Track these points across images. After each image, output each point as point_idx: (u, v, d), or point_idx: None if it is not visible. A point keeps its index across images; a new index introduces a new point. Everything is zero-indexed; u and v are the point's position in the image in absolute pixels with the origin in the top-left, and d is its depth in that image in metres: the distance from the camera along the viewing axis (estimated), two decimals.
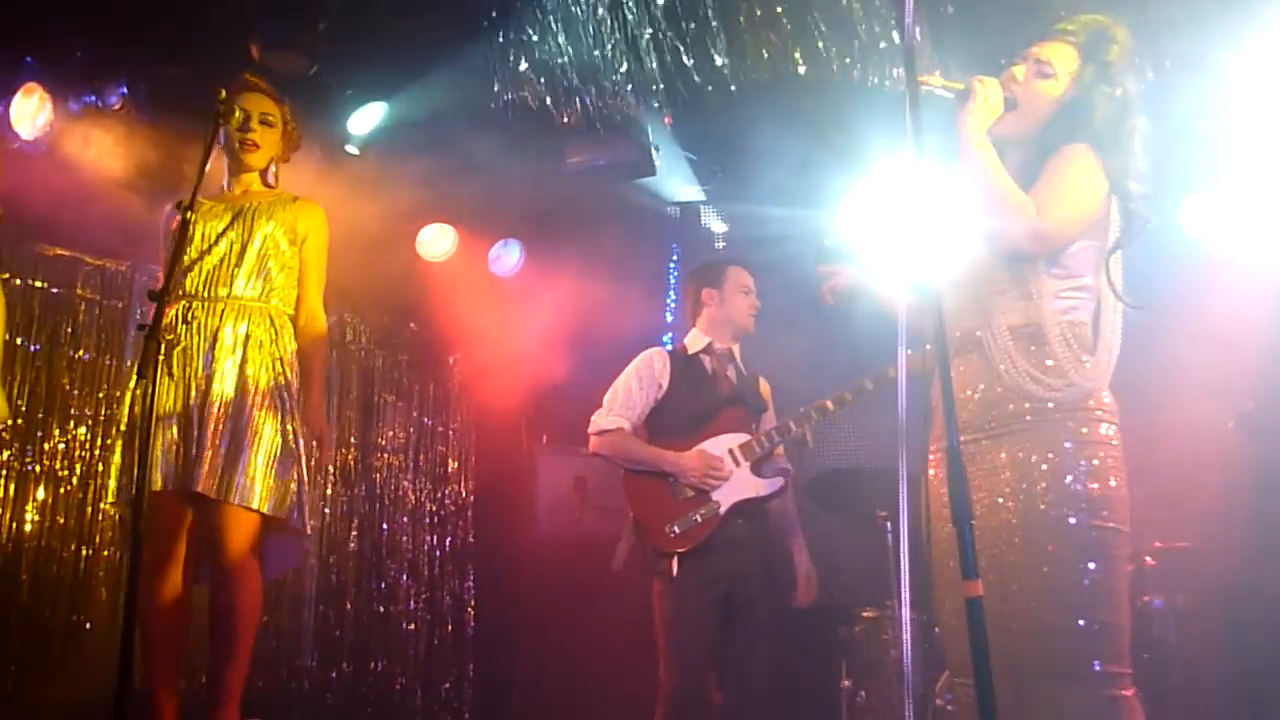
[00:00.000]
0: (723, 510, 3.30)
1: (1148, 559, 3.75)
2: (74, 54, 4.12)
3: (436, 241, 5.15)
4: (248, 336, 2.79)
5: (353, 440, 5.15)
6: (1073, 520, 2.00)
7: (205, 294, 2.81)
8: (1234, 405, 4.12)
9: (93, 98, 4.11)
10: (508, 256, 5.36)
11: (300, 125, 3.21)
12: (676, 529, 3.27)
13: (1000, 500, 2.08)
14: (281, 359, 2.83)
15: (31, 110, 3.96)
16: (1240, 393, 4.21)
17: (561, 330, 4.99)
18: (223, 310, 2.80)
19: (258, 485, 2.66)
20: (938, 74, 2.13)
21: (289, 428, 2.77)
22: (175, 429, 2.69)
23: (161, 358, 2.53)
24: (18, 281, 4.21)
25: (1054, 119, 2.13)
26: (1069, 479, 2.02)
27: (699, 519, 3.28)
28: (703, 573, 3.24)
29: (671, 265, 6.06)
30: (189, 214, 2.56)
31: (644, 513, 3.34)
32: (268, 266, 2.88)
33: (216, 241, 2.84)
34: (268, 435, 2.72)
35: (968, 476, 1.78)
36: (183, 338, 2.74)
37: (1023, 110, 2.13)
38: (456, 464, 5.42)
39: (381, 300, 5.21)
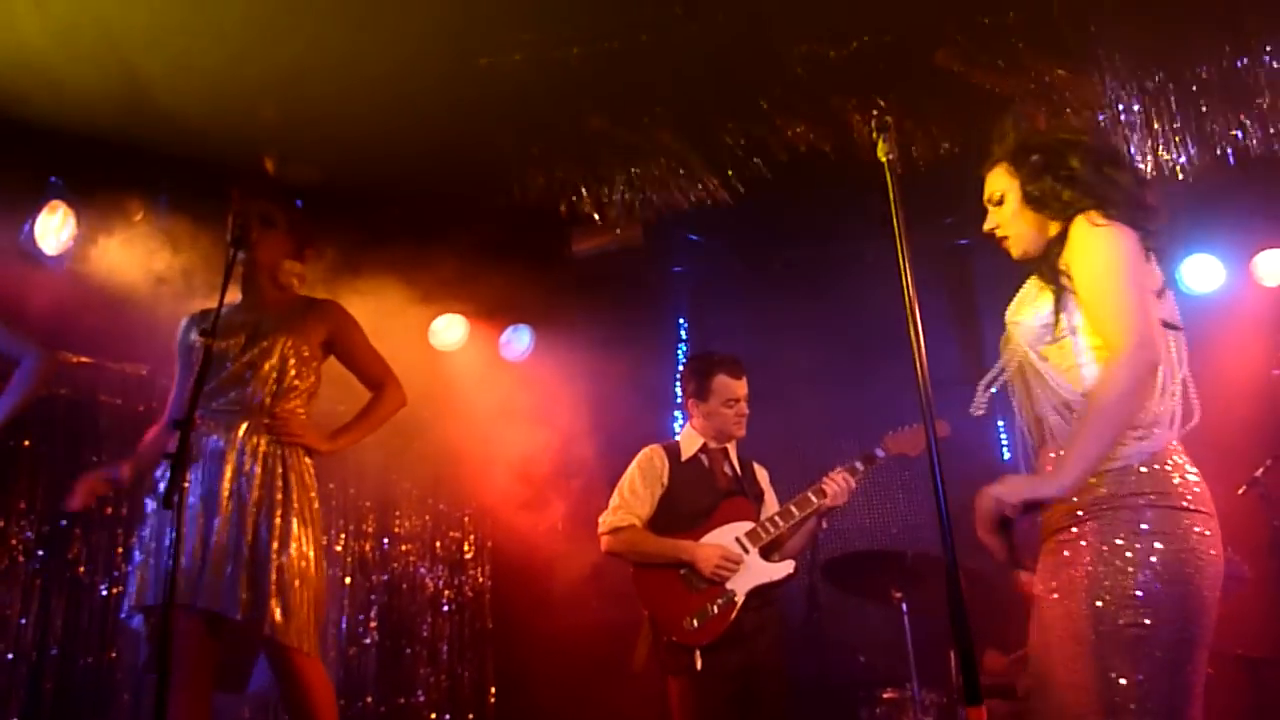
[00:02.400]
0: (739, 598, 3.33)
1: None
2: (97, 169, 4.28)
3: (448, 331, 5.25)
4: (264, 451, 2.85)
5: (369, 529, 5.20)
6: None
7: (223, 410, 2.88)
8: (1244, 471, 4.15)
9: (114, 210, 4.27)
10: (518, 341, 5.45)
11: (307, 225, 3.30)
12: (696, 622, 3.30)
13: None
14: (294, 470, 2.88)
15: (56, 226, 4.11)
16: (1249, 457, 4.24)
17: (574, 413, 5.06)
18: (241, 425, 2.87)
19: (277, 609, 2.70)
20: None
21: (303, 545, 2.80)
22: (196, 547, 2.73)
23: (186, 484, 2.63)
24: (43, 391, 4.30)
25: (1036, 216, 2.15)
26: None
27: (716, 610, 3.31)
28: (723, 666, 3.26)
29: (680, 339, 6.15)
30: (210, 340, 2.66)
31: (660, 608, 3.37)
32: (284, 380, 2.94)
33: (233, 360, 2.91)
34: (283, 553, 2.76)
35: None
36: (198, 455, 2.80)
37: (1014, 236, 2.19)
38: (473, 550, 5.45)
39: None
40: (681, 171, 4.42)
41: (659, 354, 5.74)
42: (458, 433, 5.43)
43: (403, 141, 4.23)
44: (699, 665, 3.23)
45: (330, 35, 3.63)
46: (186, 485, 2.67)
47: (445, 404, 5.30)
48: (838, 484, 3.44)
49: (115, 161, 4.26)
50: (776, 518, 3.48)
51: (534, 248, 5.06)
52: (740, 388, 3.64)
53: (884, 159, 1.97)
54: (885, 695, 3.90)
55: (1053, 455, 2.01)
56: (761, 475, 3.75)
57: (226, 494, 2.79)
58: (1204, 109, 4.28)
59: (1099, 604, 1.86)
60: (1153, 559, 1.86)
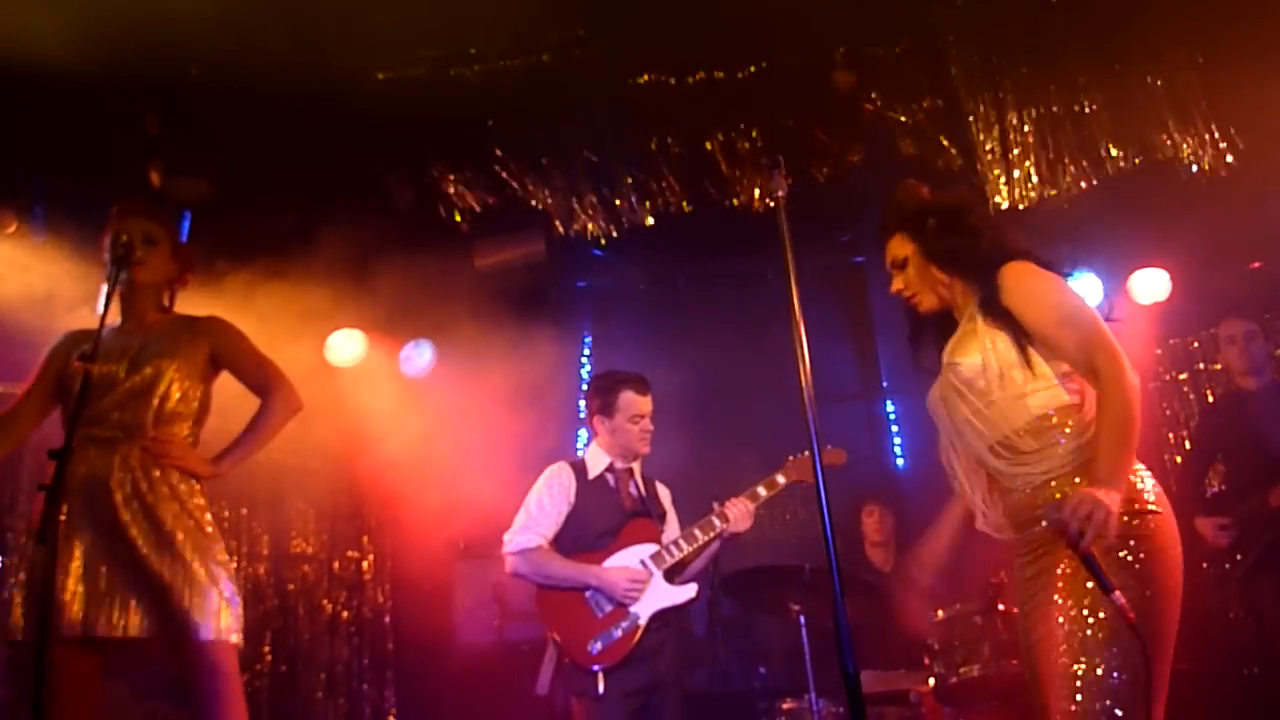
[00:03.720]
0: (643, 621, 3.35)
1: None
2: None
3: (345, 346, 5.14)
4: (146, 476, 2.74)
5: (263, 551, 5.05)
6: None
7: (104, 436, 2.76)
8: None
9: None
10: (419, 356, 5.37)
11: (189, 245, 3.19)
12: (598, 645, 3.30)
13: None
14: (178, 495, 2.78)
15: None
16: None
17: (476, 428, 5.01)
18: (122, 451, 2.75)
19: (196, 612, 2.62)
20: None
21: (200, 562, 2.71)
22: (76, 579, 2.61)
23: (64, 517, 2.50)
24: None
25: (939, 273, 2.35)
26: None
27: (619, 634, 3.32)
28: (625, 685, 3.27)
29: (584, 354, 6.15)
30: (90, 365, 2.55)
31: (564, 631, 3.36)
32: (167, 404, 2.82)
33: (115, 386, 2.78)
34: (181, 567, 2.67)
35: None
36: (79, 480, 2.67)
37: (921, 293, 2.38)
38: (371, 571, 5.34)
39: None
40: (586, 193, 4.43)
41: (563, 368, 5.72)
42: (355, 450, 5.32)
43: (296, 153, 4.13)
44: (601, 688, 3.23)
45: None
46: (64, 518, 2.55)
47: (343, 421, 5.18)
48: (739, 509, 3.51)
49: None
50: (681, 541, 3.51)
51: (435, 260, 4.99)
52: (646, 404, 3.66)
53: (771, 200, 2.04)
54: (785, 706, 3.96)
55: (979, 500, 2.27)
56: (664, 495, 3.78)
57: (111, 519, 2.66)
58: (1084, 134, 4.52)
59: (1084, 601, 1.99)
60: (1126, 558, 2.02)
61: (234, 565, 4.81)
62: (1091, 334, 2.10)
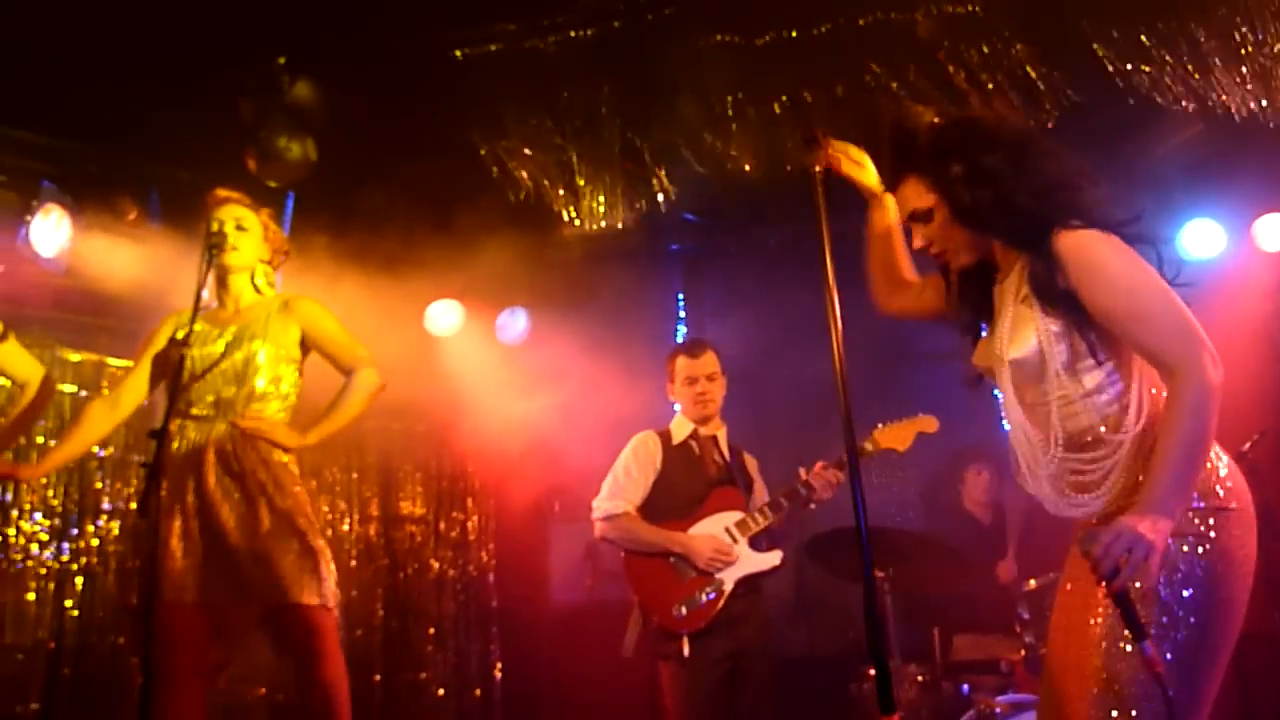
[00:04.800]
0: (728, 587, 3.40)
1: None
2: (88, 170, 4.36)
3: (443, 316, 5.31)
4: (240, 453, 2.92)
5: (374, 513, 5.32)
6: None
7: (200, 416, 2.95)
8: (1242, 440, 4.11)
9: (107, 210, 4.35)
10: (514, 324, 5.49)
11: (280, 230, 3.33)
12: (684, 610, 3.37)
13: None
14: (272, 468, 2.95)
15: (51, 229, 4.19)
16: (1248, 425, 4.21)
17: (571, 394, 5.11)
18: (217, 429, 2.94)
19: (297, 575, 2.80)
20: None
21: (286, 534, 2.88)
22: (183, 547, 2.83)
23: (164, 492, 2.71)
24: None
25: (984, 228, 1.90)
26: None
27: (704, 599, 3.38)
28: (711, 651, 3.34)
29: (678, 318, 6.16)
30: (186, 349, 2.73)
31: (649, 595, 3.45)
32: (260, 385, 2.99)
33: (211, 368, 2.96)
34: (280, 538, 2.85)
35: None
36: (179, 457, 2.88)
37: (952, 249, 1.95)
38: (476, 532, 5.55)
39: (395, 376, 5.36)
40: (684, 150, 4.39)
41: (657, 332, 5.76)
42: (457, 416, 5.51)
43: (384, 131, 4.26)
44: (686, 652, 3.30)
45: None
46: (164, 493, 2.75)
47: (444, 388, 5.37)
48: (826, 479, 3.45)
49: (106, 160, 4.34)
50: (766, 508, 3.52)
51: (528, 230, 5.08)
52: (698, 367, 3.67)
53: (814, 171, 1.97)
54: (871, 670, 3.95)
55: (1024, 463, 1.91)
56: (751, 464, 3.79)
57: (210, 493, 2.86)
58: (1209, 73, 4.23)
59: (1113, 663, 1.74)
60: (1184, 562, 1.76)
61: (346, 526, 5.18)
62: (1174, 325, 1.74)
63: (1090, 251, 1.79)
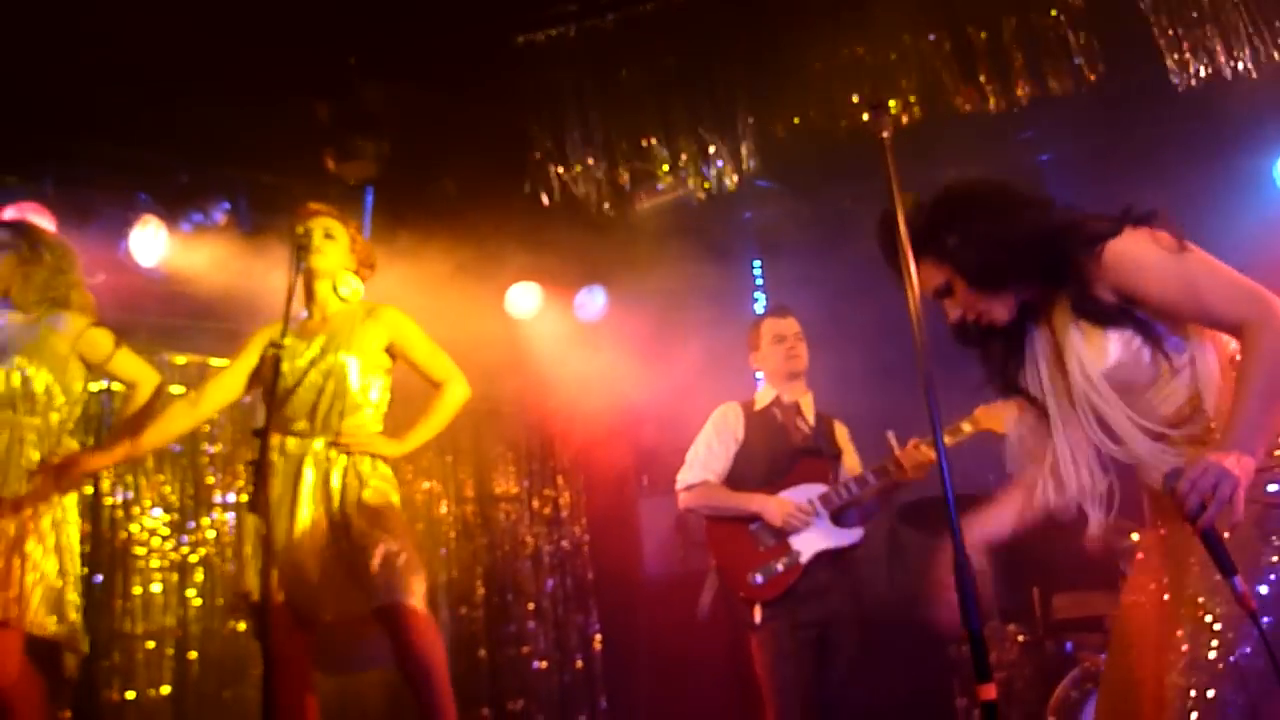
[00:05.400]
0: (804, 560, 3.40)
1: None
2: (180, 180, 4.56)
3: (523, 299, 5.39)
4: (340, 465, 3.02)
5: (469, 494, 5.47)
6: None
7: (295, 429, 3.04)
8: None
9: (200, 216, 4.54)
10: (592, 303, 5.55)
11: (367, 240, 3.41)
12: (760, 578, 3.39)
13: None
14: (370, 478, 3.05)
15: (149, 239, 4.40)
16: None
17: (653, 368, 5.15)
18: (315, 443, 3.03)
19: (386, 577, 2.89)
20: None
21: (389, 543, 2.97)
22: (283, 555, 2.93)
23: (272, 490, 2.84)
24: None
25: (997, 287, 1.95)
26: None
27: (781, 568, 3.39)
28: (791, 619, 3.35)
29: (756, 281, 6.13)
30: (279, 350, 2.84)
31: (727, 561, 3.48)
32: (351, 397, 3.07)
33: (301, 380, 3.03)
34: (374, 546, 2.95)
35: None
36: (279, 469, 2.99)
37: (986, 313, 1.97)
38: (569, 507, 5.66)
39: (480, 359, 5.48)
40: (751, 120, 4.36)
41: (735, 302, 5.75)
42: (543, 395, 5.62)
43: (454, 122, 4.33)
44: (758, 619, 3.32)
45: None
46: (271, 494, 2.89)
47: (528, 370, 5.47)
48: (918, 459, 3.34)
49: (195, 168, 4.53)
50: (852, 483, 3.48)
51: (599, 209, 5.11)
52: (787, 325, 3.67)
53: (881, 136, 1.92)
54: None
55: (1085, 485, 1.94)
56: (841, 433, 3.74)
57: (306, 507, 2.97)
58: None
59: (1217, 579, 1.68)
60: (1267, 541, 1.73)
61: (444, 509, 5.34)
62: (1228, 288, 1.78)
63: (1123, 257, 1.84)
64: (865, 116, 1.98)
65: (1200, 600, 1.76)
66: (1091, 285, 1.86)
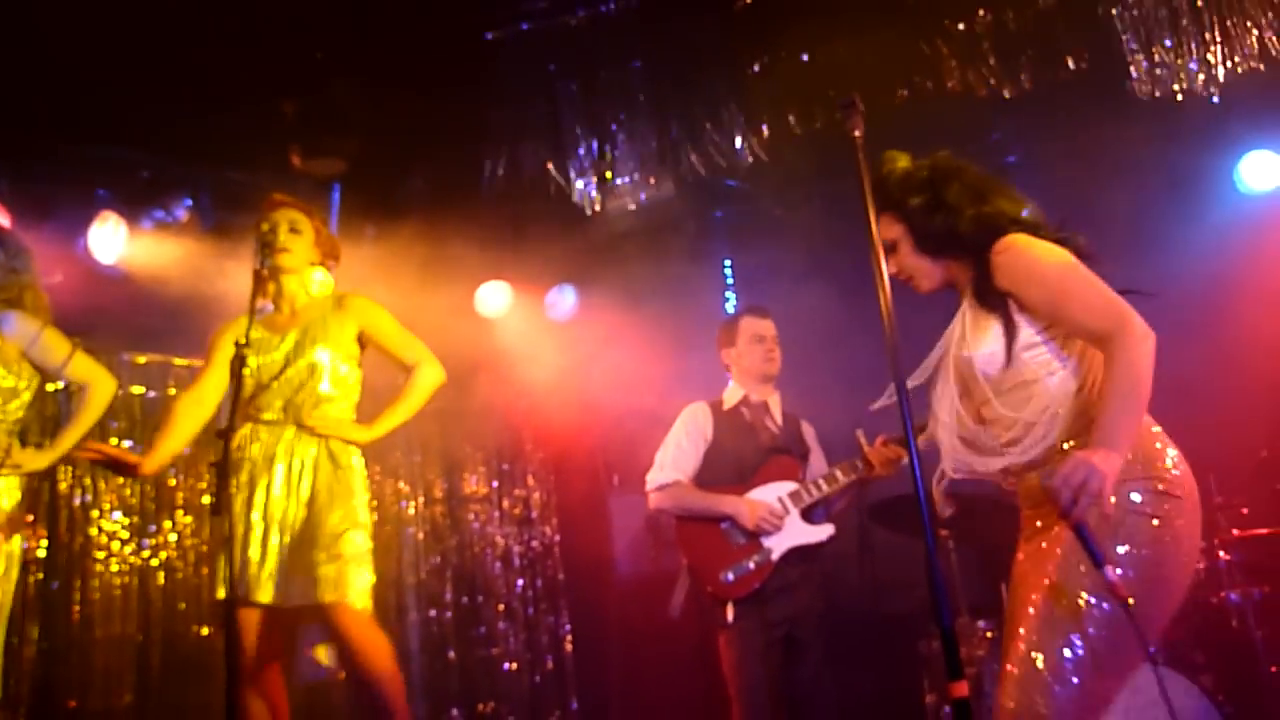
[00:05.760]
0: (775, 557, 3.40)
1: (1221, 553, 3.68)
2: (140, 175, 4.47)
3: (493, 298, 5.35)
4: (311, 454, 2.98)
5: (438, 494, 5.42)
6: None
7: (268, 420, 3.01)
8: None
9: (161, 213, 4.46)
10: (563, 302, 5.52)
11: (331, 233, 3.36)
12: (731, 575, 3.38)
13: None
14: (342, 466, 3.02)
15: (108, 236, 4.31)
16: None
17: (624, 367, 5.13)
18: (287, 433, 2.99)
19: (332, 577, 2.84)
20: None
21: (356, 534, 2.94)
22: (255, 549, 2.89)
23: (234, 490, 2.79)
24: (120, 391, 4.55)
25: (935, 254, 2.16)
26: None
27: (752, 566, 3.39)
28: (760, 618, 3.35)
29: (727, 280, 6.13)
30: (247, 349, 2.78)
31: (698, 559, 3.47)
32: (324, 387, 3.04)
33: (277, 375, 3.01)
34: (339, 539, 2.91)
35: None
36: (250, 461, 2.95)
37: (917, 276, 2.19)
38: (539, 507, 5.63)
39: (449, 359, 5.44)
40: (708, 125, 4.37)
41: (706, 301, 5.74)
42: (513, 395, 5.58)
43: (423, 119, 4.29)
44: (731, 618, 3.32)
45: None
46: (236, 492, 2.84)
47: (498, 369, 5.43)
48: (887, 456, 3.35)
49: (156, 165, 4.44)
50: (821, 481, 3.50)
51: (568, 207, 5.08)
52: (766, 327, 3.68)
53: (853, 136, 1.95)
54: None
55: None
56: (808, 432, 3.77)
57: (279, 498, 2.93)
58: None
59: (1066, 579, 1.87)
60: (1128, 545, 1.86)
61: (412, 509, 5.28)
62: (1098, 302, 1.95)
63: (1021, 254, 2.02)
64: (837, 115, 1.99)
65: (1060, 583, 1.89)
66: (992, 275, 2.04)
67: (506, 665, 5.29)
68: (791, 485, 3.51)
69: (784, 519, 3.44)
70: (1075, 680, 1.82)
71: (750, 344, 3.67)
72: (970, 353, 2.05)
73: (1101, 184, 4.33)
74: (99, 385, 3.23)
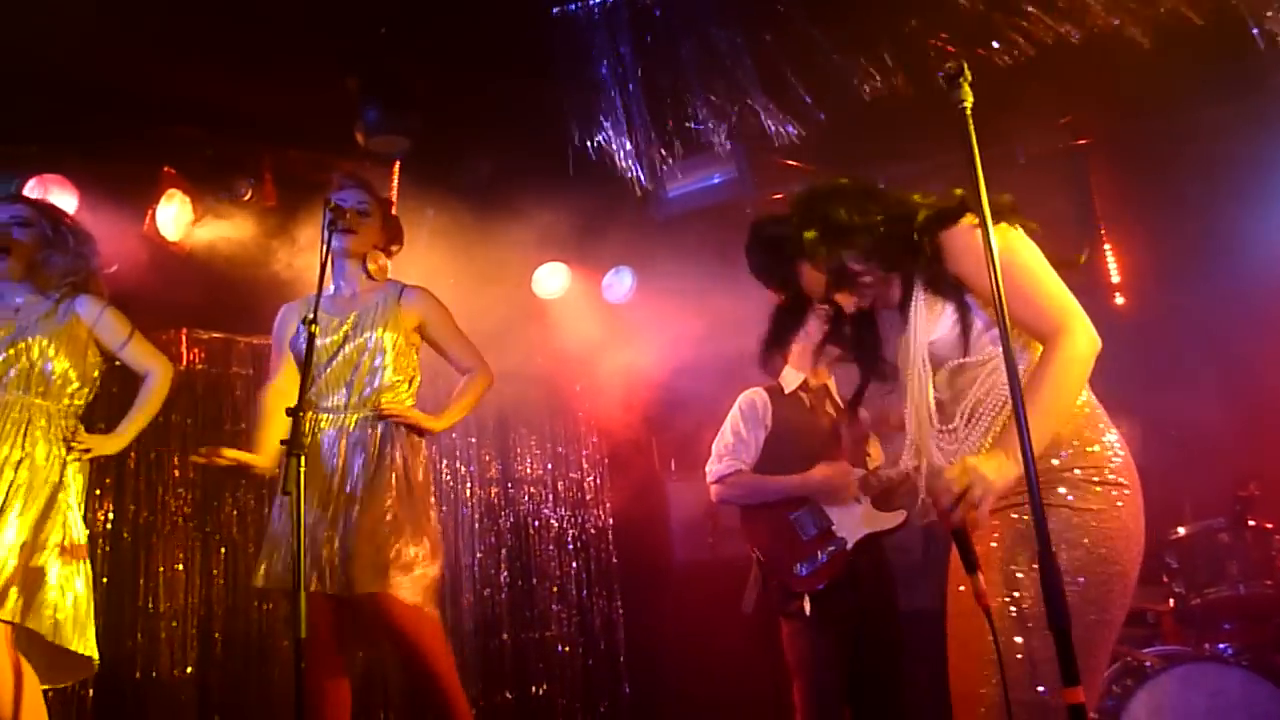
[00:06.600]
0: (849, 546, 3.32)
1: None
2: (205, 153, 4.48)
3: (550, 279, 5.32)
4: (367, 439, 2.97)
5: (493, 475, 5.41)
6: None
7: (328, 405, 3.01)
8: None
9: (225, 192, 4.47)
10: (620, 284, 5.47)
11: (396, 217, 3.35)
12: (804, 568, 3.31)
13: None
14: (405, 453, 3.00)
15: (174, 214, 4.34)
16: None
17: (681, 351, 5.07)
18: (343, 419, 2.99)
19: (395, 575, 2.84)
20: None
21: (418, 524, 2.93)
22: (320, 537, 2.88)
23: (303, 469, 2.78)
24: (182, 366, 4.60)
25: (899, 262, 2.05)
26: None
27: (826, 557, 3.31)
28: (833, 610, 3.27)
29: None
30: (314, 327, 2.77)
31: (769, 553, 3.40)
32: (386, 374, 3.03)
33: (335, 355, 3.01)
34: (398, 531, 2.90)
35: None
36: (313, 447, 2.94)
37: (870, 300, 2.12)
38: (593, 490, 5.60)
39: (505, 340, 5.42)
40: (773, 105, 4.26)
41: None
42: (569, 378, 5.55)
43: (486, 98, 4.24)
44: (808, 611, 3.25)
45: None
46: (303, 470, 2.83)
47: (554, 351, 5.40)
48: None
49: (220, 143, 4.45)
50: (888, 468, 3.42)
51: (629, 188, 5.01)
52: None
53: (962, 105, 1.83)
54: None
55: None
56: (864, 416, 3.67)
57: (340, 485, 2.92)
58: None
59: (1018, 575, 1.83)
60: (1076, 536, 1.82)
61: (467, 490, 5.28)
62: (1046, 298, 1.89)
63: (964, 241, 1.93)
64: (943, 85, 1.88)
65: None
66: (941, 260, 1.96)
67: (560, 648, 5.29)
68: (858, 471, 3.42)
69: (855, 491, 3.35)
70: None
71: (813, 321, 3.58)
72: (927, 338, 1.99)
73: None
74: (160, 371, 3.23)
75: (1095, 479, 1.85)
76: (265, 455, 3.03)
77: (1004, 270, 1.83)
